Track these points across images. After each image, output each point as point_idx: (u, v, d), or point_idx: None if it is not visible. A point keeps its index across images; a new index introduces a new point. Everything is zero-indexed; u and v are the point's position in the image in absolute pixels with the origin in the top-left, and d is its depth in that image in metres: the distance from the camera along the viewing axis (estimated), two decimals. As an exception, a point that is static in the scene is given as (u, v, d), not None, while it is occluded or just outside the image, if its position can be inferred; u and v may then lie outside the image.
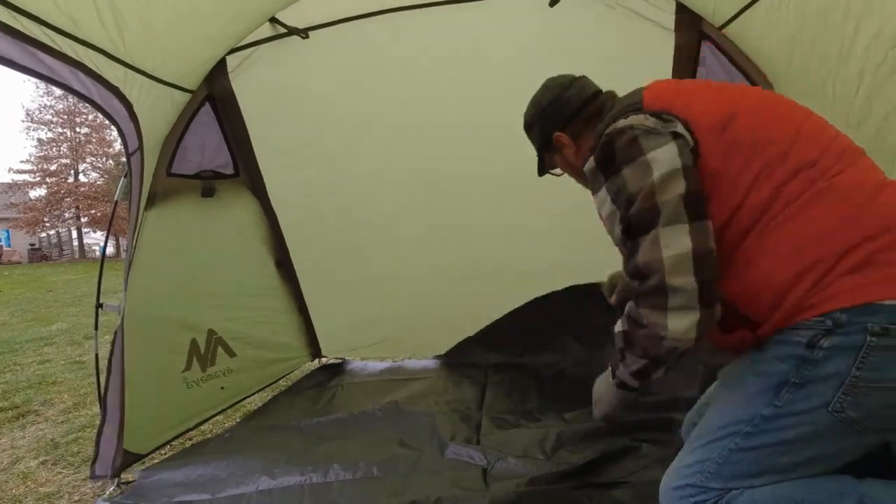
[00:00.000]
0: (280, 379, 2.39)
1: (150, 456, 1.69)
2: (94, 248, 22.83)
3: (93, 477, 1.56)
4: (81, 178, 21.39)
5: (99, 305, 1.65)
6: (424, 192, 2.27)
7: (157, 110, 1.60)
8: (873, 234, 0.77)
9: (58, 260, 20.48)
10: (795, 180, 0.83)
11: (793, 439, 0.81)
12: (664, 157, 0.85)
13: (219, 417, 2.03)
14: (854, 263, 0.76)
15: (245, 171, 2.11)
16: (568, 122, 1.13)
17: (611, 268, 1.18)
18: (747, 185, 0.85)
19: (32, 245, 21.21)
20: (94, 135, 21.21)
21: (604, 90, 1.18)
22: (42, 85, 20.50)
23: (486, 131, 2.14)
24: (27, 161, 20.97)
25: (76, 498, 1.54)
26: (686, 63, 1.81)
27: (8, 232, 21.86)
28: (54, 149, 20.87)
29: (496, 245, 2.26)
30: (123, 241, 18.20)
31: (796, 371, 0.79)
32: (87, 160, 21.41)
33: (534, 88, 2.10)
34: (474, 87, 2.07)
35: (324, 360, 2.63)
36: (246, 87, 1.95)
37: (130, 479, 1.53)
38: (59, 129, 20.97)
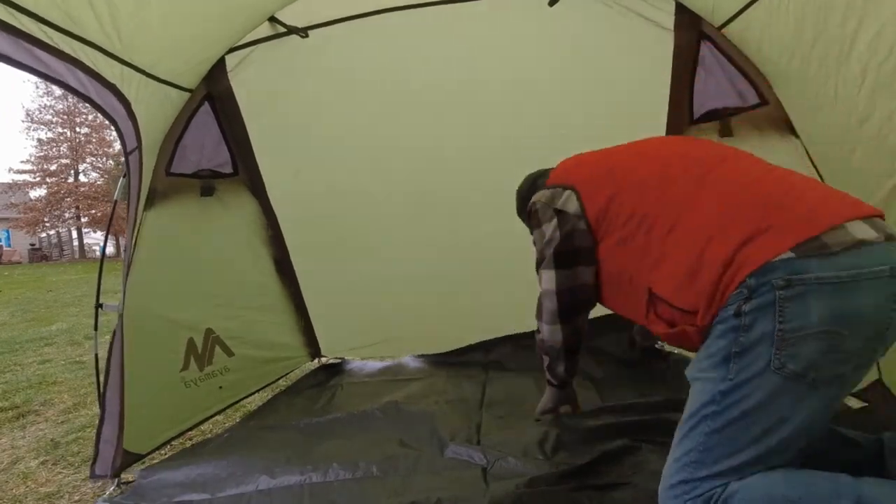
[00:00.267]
0: (279, 379, 2.39)
1: (149, 456, 1.69)
2: (94, 248, 22.84)
3: (93, 476, 1.56)
4: (81, 178, 21.40)
5: (99, 305, 1.65)
6: (425, 191, 2.27)
7: (155, 109, 1.60)
8: (756, 212, 0.92)
9: (58, 260, 20.48)
10: (678, 186, 1.05)
11: (754, 407, 0.86)
12: (547, 230, 1.29)
13: (218, 417, 2.02)
14: (747, 236, 0.89)
15: (244, 170, 2.11)
16: (532, 192, 1.46)
17: None
18: (643, 201, 1.10)
19: (32, 245, 21.21)
20: (94, 135, 21.21)
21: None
22: (42, 85, 20.53)
23: (486, 130, 2.15)
24: (27, 161, 21.01)
25: (76, 498, 1.54)
26: (685, 63, 1.81)
27: (8, 232, 21.86)
28: (54, 149, 20.87)
29: (496, 246, 2.26)
30: (123, 241, 18.20)
31: (735, 341, 0.88)
32: (87, 160, 21.42)
33: (534, 87, 2.12)
34: (474, 86, 2.07)
35: (323, 359, 2.62)
36: (245, 86, 1.95)
37: (130, 479, 1.53)
38: (59, 129, 20.98)
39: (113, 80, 1.35)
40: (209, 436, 1.89)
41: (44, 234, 22.01)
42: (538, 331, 1.43)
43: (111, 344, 1.57)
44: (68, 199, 20.24)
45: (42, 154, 20.76)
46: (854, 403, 1.66)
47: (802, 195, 0.93)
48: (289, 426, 1.84)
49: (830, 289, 0.81)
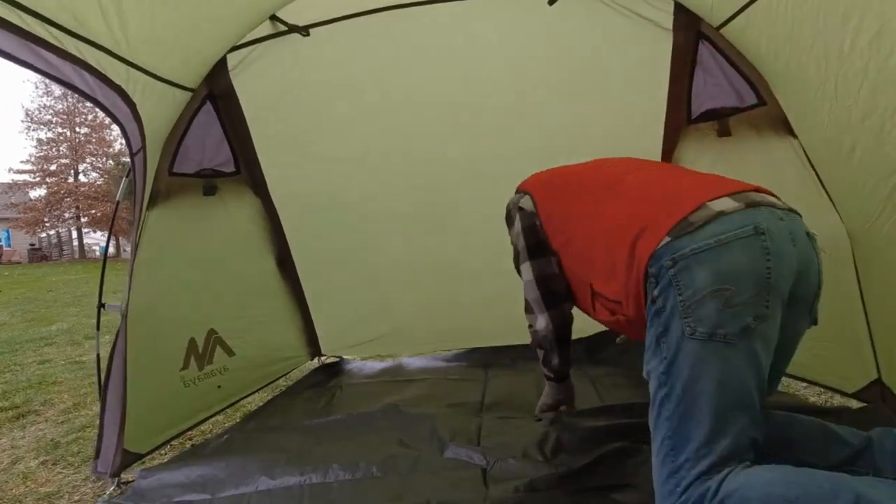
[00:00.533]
0: (279, 379, 2.39)
1: (149, 456, 1.69)
2: (94, 248, 22.84)
3: (96, 472, 1.56)
4: (81, 178, 21.40)
5: (101, 305, 1.65)
6: (426, 189, 2.27)
7: (158, 109, 1.60)
8: (644, 212, 1.08)
9: (58, 260, 20.47)
10: (595, 196, 1.24)
11: (689, 377, 0.95)
12: (516, 226, 1.48)
13: (219, 418, 2.02)
14: (637, 233, 1.05)
15: (246, 169, 2.11)
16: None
17: None
18: (571, 208, 1.32)
19: (32, 245, 21.21)
20: (94, 135, 21.21)
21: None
22: (42, 85, 20.53)
23: (486, 128, 2.15)
24: (27, 161, 20.99)
25: (76, 498, 1.54)
26: (684, 63, 1.82)
27: (8, 232, 21.86)
28: (54, 149, 20.87)
29: (496, 245, 2.26)
30: (124, 241, 18.21)
31: (658, 324, 1.00)
32: (87, 160, 21.41)
33: (533, 86, 2.13)
34: (474, 85, 2.08)
35: (323, 359, 2.63)
36: (247, 85, 1.95)
37: (130, 479, 1.53)
38: (59, 130, 20.98)
39: (119, 82, 1.36)
40: (209, 436, 1.89)
41: (44, 234, 22.00)
42: (530, 325, 1.54)
43: (114, 343, 1.57)
44: (68, 199, 20.23)
45: (42, 154, 20.75)
46: (854, 404, 1.67)
47: (681, 189, 1.09)
48: (288, 427, 1.84)
49: (705, 255, 0.95)
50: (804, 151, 1.59)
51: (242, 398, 2.15)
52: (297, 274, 2.39)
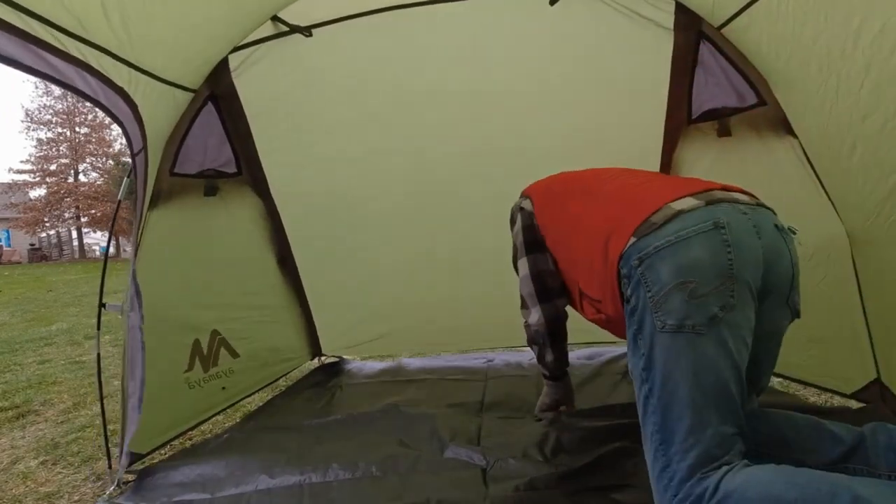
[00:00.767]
0: (280, 379, 2.39)
1: (150, 456, 1.68)
2: (94, 248, 22.83)
3: (118, 478, 1.51)
4: (81, 178, 21.39)
5: (102, 305, 1.65)
6: (427, 190, 2.27)
7: (160, 110, 1.60)
8: (615, 215, 1.14)
9: (58, 260, 20.46)
10: (580, 201, 1.31)
11: (666, 370, 0.98)
12: (517, 224, 1.55)
13: (219, 417, 2.02)
14: (607, 237, 1.11)
15: (247, 169, 2.11)
16: None
17: None
18: (561, 213, 1.39)
19: (32, 245, 21.19)
20: (94, 135, 21.20)
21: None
22: (41, 85, 20.52)
23: (487, 128, 2.15)
24: (27, 161, 20.97)
25: (76, 498, 1.54)
26: (684, 63, 1.82)
27: (8, 232, 21.86)
28: (54, 149, 20.86)
29: (497, 245, 2.26)
30: (124, 241, 18.21)
31: (631, 321, 1.05)
32: (87, 160, 21.40)
33: (535, 87, 2.14)
34: (476, 85, 2.08)
35: (323, 358, 2.63)
36: (248, 85, 1.95)
37: (130, 479, 1.53)
38: (59, 129, 20.97)
39: (121, 83, 1.35)
40: (209, 436, 1.89)
41: (44, 234, 21.99)
42: (525, 321, 1.57)
43: (126, 343, 1.56)
44: (68, 199, 20.22)
45: (42, 154, 20.74)
46: (853, 404, 1.67)
47: (648, 192, 1.14)
48: (288, 427, 1.84)
49: (666, 251, 0.99)
50: (804, 151, 1.59)
51: (243, 398, 2.15)
52: (298, 274, 2.39)
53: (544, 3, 1.84)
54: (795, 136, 1.61)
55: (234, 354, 2.06)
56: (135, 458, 1.60)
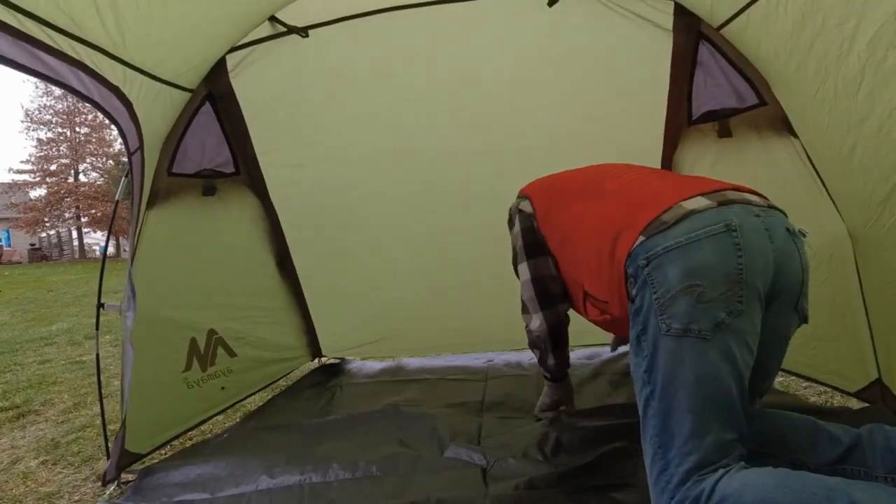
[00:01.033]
0: (280, 379, 2.39)
1: (150, 456, 1.69)
2: (94, 248, 22.84)
3: (111, 479, 1.52)
4: (81, 178, 21.40)
5: (100, 305, 1.65)
6: (425, 190, 2.27)
7: (156, 109, 1.60)
8: (622, 214, 1.11)
9: (58, 260, 20.47)
10: (586, 202, 1.28)
11: (668, 374, 0.96)
12: (516, 227, 1.52)
13: (219, 417, 2.03)
14: (615, 235, 1.08)
15: (245, 169, 2.11)
16: None
17: None
18: (564, 213, 1.36)
19: (32, 245, 21.21)
20: (94, 135, 21.21)
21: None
22: (41, 85, 20.52)
23: (486, 129, 2.15)
24: (27, 161, 20.99)
25: (76, 498, 1.54)
26: (684, 64, 1.82)
27: (8, 232, 21.86)
28: (54, 149, 20.87)
29: (497, 245, 2.26)
30: (123, 241, 18.21)
31: (636, 322, 1.02)
32: (87, 160, 21.41)
33: (533, 87, 2.13)
34: (474, 86, 2.07)
35: (323, 359, 2.63)
36: (246, 85, 1.95)
37: (130, 479, 1.53)
38: (59, 129, 20.97)
39: (116, 83, 1.35)
40: (209, 436, 1.89)
41: (44, 234, 22.00)
42: (526, 326, 1.56)
43: (123, 343, 1.56)
44: (68, 199, 20.23)
45: (42, 154, 20.75)
46: (854, 404, 1.67)
47: (658, 190, 1.11)
48: (288, 426, 1.84)
49: (675, 253, 0.96)
50: (805, 151, 1.59)
51: (243, 398, 2.15)
52: (296, 274, 2.39)
53: (542, 4, 1.84)
54: (796, 136, 1.60)
55: (232, 354, 2.06)
56: (134, 458, 1.60)
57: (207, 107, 1.90)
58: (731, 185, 1.08)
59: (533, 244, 1.47)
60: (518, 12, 1.91)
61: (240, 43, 1.87)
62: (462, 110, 2.12)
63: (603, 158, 1.50)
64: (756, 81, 1.66)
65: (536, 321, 1.49)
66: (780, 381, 1.92)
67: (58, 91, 20.13)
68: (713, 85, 1.77)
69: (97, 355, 1.63)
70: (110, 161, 21.12)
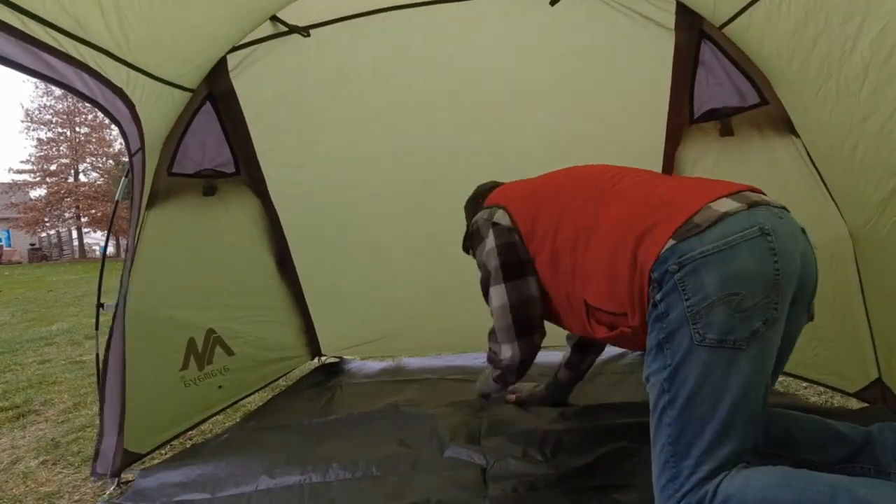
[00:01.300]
0: (279, 378, 2.39)
1: (149, 456, 1.68)
2: (94, 248, 22.86)
3: (95, 474, 1.56)
4: (81, 178, 21.43)
5: (100, 305, 1.65)
6: (426, 190, 2.27)
7: (158, 110, 1.60)
8: (644, 216, 1.04)
9: (58, 260, 20.49)
10: (587, 206, 1.18)
11: (695, 384, 0.92)
12: (489, 242, 1.35)
13: (218, 417, 2.02)
14: (638, 238, 1.01)
15: (246, 169, 2.11)
16: (475, 212, 1.53)
17: None
18: (560, 218, 1.23)
19: (32, 245, 21.23)
20: (94, 135, 21.24)
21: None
22: (41, 85, 20.54)
23: (487, 129, 2.15)
24: (27, 161, 21.03)
25: (76, 498, 1.53)
26: (686, 63, 1.82)
27: (8, 232, 21.88)
28: (54, 149, 20.90)
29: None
30: (124, 241, 18.21)
31: (660, 329, 0.96)
32: (87, 160, 21.43)
33: (534, 87, 2.12)
34: (475, 85, 2.07)
35: (323, 359, 2.62)
36: (247, 85, 1.95)
37: (130, 479, 1.53)
38: (59, 129, 21.00)
39: (119, 84, 1.35)
40: (209, 436, 1.89)
41: (44, 234, 22.03)
42: (493, 354, 1.46)
43: (108, 342, 1.56)
44: (68, 199, 20.25)
45: (42, 154, 20.78)
46: (854, 404, 1.67)
47: (680, 191, 1.06)
48: (288, 426, 1.83)
49: (713, 258, 0.91)
50: (806, 151, 1.59)
51: (242, 398, 2.15)
52: (296, 274, 2.39)
53: (543, 3, 1.84)
54: (798, 136, 1.60)
55: (230, 352, 2.06)
56: (134, 458, 1.60)
57: (208, 106, 1.90)
58: (745, 185, 1.04)
59: (513, 263, 1.32)
60: (518, 12, 1.91)
61: (241, 42, 1.87)
62: (462, 110, 2.11)
63: (603, 158, 1.50)
64: (758, 80, 1.66)
65: (508, 352, 1.38)
66: (780, 381, 1.91)
67: (58, 91, 20.15)
68: (715, 84, 1.77)
69: (97, 355, 1.62)
70: (110, 161, 21.14)
